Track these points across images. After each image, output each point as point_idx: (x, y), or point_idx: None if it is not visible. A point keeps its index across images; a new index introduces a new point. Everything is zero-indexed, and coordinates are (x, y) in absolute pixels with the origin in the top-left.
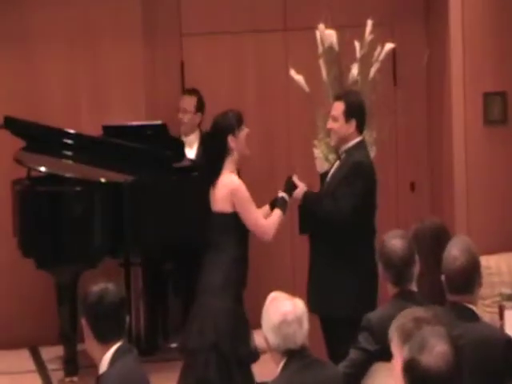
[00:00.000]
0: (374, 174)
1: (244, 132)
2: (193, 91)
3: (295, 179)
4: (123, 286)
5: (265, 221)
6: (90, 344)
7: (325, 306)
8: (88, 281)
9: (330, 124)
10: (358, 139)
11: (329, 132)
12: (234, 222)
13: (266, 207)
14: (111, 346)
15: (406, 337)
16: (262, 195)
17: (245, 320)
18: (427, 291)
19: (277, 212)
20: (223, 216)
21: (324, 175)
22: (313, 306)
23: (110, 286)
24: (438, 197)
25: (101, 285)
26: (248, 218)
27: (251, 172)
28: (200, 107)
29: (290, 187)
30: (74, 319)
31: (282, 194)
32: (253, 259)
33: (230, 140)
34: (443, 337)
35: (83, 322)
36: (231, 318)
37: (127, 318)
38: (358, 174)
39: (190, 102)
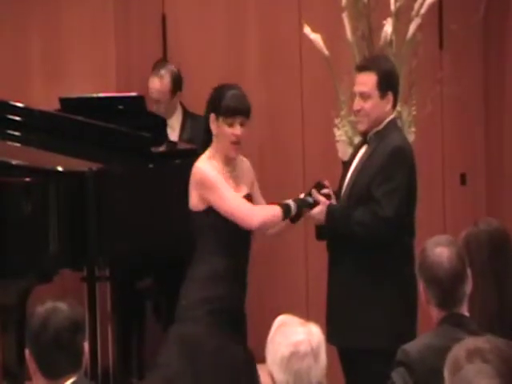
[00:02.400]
0: (415, 162)
1: (226, 127)
2: (162, 66)
3: (315, 195)
4: (78, 307)
5: (248, 204)
6: (36, 381)
7: (351, 337)
8: (40, 300)
9: (359, 104)
10: (390, 117)
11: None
12: (209, 224)
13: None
14: (62, 382)
15: (454, 372)
16: (268, 191)
17: (225, 357)
18: (482, 315)
19: (275, 208)
20: (196, 215)
21: (347, 163)
22: (333, 337)
23: (60, 306)
24: (496, 192)
25: (47, 305)
26: (222, 204)
27: (255, 159)
28: (176, 86)
29: (304, 204)
30: (22, 351)
31: (289, 201)
32: (254, 272)
33: (211, 119)
34: (490, 377)
35: (27, 353)
36: (194, 347)
37: (85, 346)
38: (398, 164)
39: (162, 88)
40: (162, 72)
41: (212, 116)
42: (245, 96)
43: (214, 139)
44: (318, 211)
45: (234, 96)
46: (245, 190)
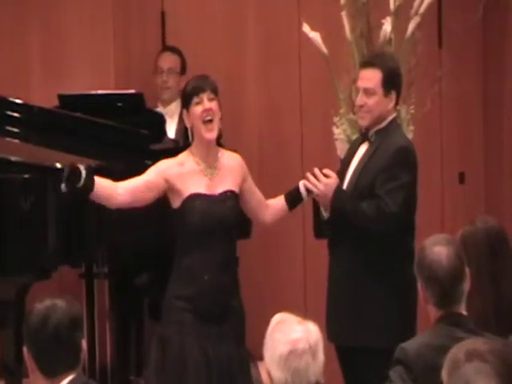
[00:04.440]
0: (417, 162)
1: (195, 108)
2: (175, 50)
3: (308, 184)
4: (77, 304)
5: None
6: (34, 379)
7: (350, 336)
8: (39, 296)
9: (362, 99)
10: (392, 116)
11: (352, 106)
12: (177, 222)
13: (280, 199)
14: (60, 380)
15: (453, 371)
16: (266, 187)
17: (191, 356)
18: (480, 314)
19: None
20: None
21: (346, 160)
22: (333, 335)
23: (59, 303)
24: (494, 191)
25: (46, 302)
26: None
27: (254, 156)
28: (184, 65)
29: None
30: (20, 348)
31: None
32: (253, 270)
33: (184, 116)
34: (489, 377)
35: (25, 351)
36: (163, 347)
37: (83, 344)
38: (403, 164)
39: (174, 61)
40: (174, 49)
41: (184, 112)
42: (206, 76)
43: (191, 135)
44: (328, 182)
45: (193, 79)
46: (225, 187)
